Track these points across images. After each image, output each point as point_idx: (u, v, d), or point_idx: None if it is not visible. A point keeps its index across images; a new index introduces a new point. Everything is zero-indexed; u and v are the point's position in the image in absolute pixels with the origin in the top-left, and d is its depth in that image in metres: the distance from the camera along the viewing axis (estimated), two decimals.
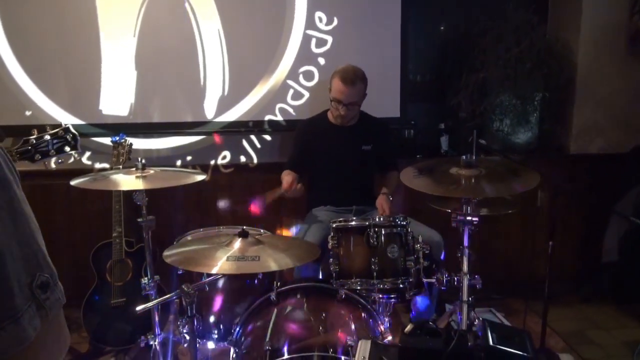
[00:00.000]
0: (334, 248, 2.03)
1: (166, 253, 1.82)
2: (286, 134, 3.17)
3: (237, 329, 1.93)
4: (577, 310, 3.16)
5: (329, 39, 3.13)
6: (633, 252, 3.18)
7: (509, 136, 3.29)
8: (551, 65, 3.20)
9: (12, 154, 1.87)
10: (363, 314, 1.94)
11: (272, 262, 1.72)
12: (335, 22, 3.12)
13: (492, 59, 3.19)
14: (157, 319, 2.19)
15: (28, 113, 3.03)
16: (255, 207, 2.72)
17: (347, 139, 2.77)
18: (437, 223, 2.51)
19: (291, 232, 3.08)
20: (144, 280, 2.14)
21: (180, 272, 2.09)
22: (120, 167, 2.54)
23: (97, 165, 3.15)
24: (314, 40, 3.13)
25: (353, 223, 2.06)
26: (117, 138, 2.62)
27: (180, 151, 3.22)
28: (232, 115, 3.15)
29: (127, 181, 2.03)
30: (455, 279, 2.04)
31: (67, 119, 3.05)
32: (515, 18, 3.21)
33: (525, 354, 1.22)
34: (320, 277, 2.39)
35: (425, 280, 2.04)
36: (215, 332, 2.05)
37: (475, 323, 2.11)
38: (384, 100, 3.15)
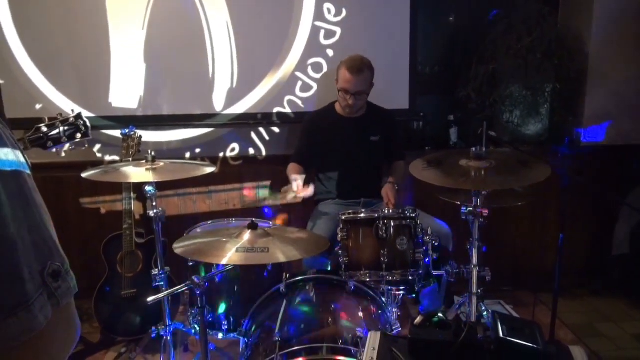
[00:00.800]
0: (343, 240, 2.03)
1: (176, 244, 1.83)
2: (295, 126, 3.17)
3: (247, 320, 1.95)
4: (587, 302, 3.15)
5: (338, 30, 3.11)
6: None
7: (519, 128, 3.27)
8: (562, 56, 3.17)
9: (25, 142, 1.88)
10: (372, 306, 1.94)
11: (281, 253, 1.73)
12: (344, 13, 3.10)
13: (503, 49, 3.16)
14: (167, 309, 2.21)
15: (38, 106, 3.06)
16: (269, 213, 2.72)
17: (355, 131, 2.76)
18: (446, 215, 2.51)
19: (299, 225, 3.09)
20: (155, 271, 2.16)
21: (190, 263, 2.11)
22: (130, 159, 2.55)
23: (107, 158, 3.17)
24: (322, 32, 3.11)
25: (362, 215, 2.06)
26: (127, 130, 2.64)
27: (189, 143, 3.23)
28: (241, 107, 3.15)
29: (137, 173, 2.04)
30: (465, 271, 2.04)
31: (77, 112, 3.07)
32: (526, 8, 3.18)
33: (535, 346, 1.22)
34: (329, 269, 2.40)
35: (434, 272, 2.05)
36: (225, 323, 2.07)
37: (485, 315, 2.11)
38: (392, 92, 3.14)
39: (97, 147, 3.16)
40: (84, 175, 1.99)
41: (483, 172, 1.94)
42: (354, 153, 2.76)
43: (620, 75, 3.24)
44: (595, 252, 3.35)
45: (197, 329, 1.99)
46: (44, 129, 1.93)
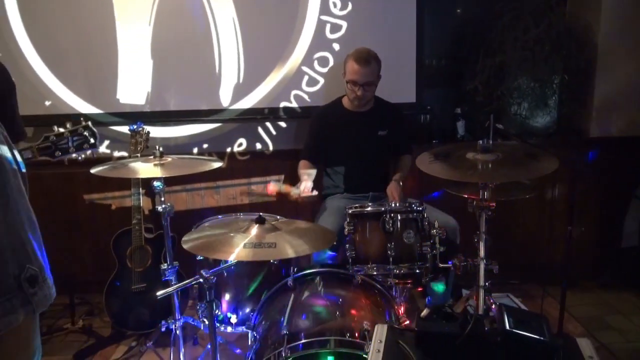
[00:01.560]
0: (350, 234, 2.04)
1: (185, 239, 1.85)
2: (301, 120, 3.17)
3: (255, 313, 1.97)
4: (595, 295, 3.14)
5: (344, 24, 3.11)
6: None
7: (527, 120, 3.25)
8: (570, 47, 3.14)
9: (33, 151, 1.90)
10: (379, 299, 1.95)
11: (289, 248, 1.74)
12: (350, 7, 3.09)
13: (510, 41, 3.14)
14: (177, 303, 2.23)
15: (48, 103, 3.09)
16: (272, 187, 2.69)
17: (363, 125, 2.76)
18: (453, 208, 2.50)
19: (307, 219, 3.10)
20: (164, 266, 2.18)
21: (199, 257, 2.13)
22: (139, 155, 2.57)
23: (116, 154, 3.20)
24: (328, 26, 3.11)
25: (369, 209, 2.06)
26: (135, 126, 2.65)
27: (196, 139, 3.25)
28: (248, 102, 3.16)
29: (146, 169, 2.06)
30: (472, 264, 2.04)
31: (86, 108, 3.10)
32: None
33: (542, 338, 1.22)
34: (337, 263, 2.41)
35: (441, 265, 2.05)
36: (234, 316, 2.09)
37: (492, 308, 2.11)
38: (399, 86, 3.13)
39: (106, 143, 3.19)
40: (93, 171, 2.01)
41: (490, 165, 1.93)
42: (361, 147, 2.76)
43: (629, 66, 3.20)
44: (604, 245, 3.33)
45: (206, 322, 2.01)
46: (53, 139, 1.95)
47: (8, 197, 0.57)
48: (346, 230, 2.05)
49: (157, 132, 3.13)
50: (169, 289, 1.86)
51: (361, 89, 2.61)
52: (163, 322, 2.26)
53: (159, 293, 1.78)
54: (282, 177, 3.13)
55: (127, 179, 2.69)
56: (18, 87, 2.20)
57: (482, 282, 2.01)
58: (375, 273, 1.99)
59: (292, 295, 1.89)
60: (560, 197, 3.20)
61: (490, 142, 2.00)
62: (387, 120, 2.78)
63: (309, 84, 3.17)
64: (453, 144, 3.19)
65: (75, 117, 2.08)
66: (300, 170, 2.68)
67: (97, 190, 3.14)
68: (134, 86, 3.11)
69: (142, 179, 2.61)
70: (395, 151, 2.85)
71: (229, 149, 3.26)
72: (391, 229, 1.98)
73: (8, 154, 0.59)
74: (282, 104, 3.18)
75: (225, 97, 3.16)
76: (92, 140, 2.03)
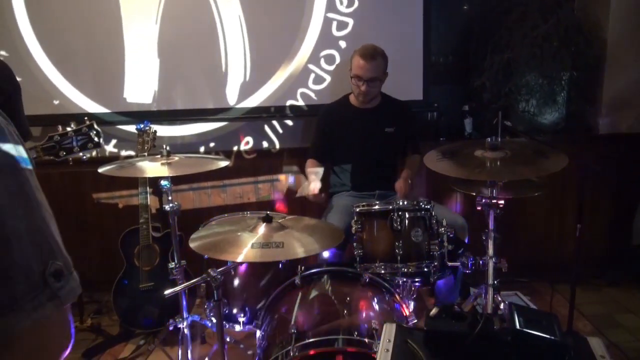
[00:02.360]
0: (358, 232, 2.03)
1: (192, 238, 1.85)
2: (308, 118, 3.17)
3: (263, 312, 1.96)
4: (605, 293, 3.11)
5: (350, 21, 3.09)
6: None
7: (536, 117, 3.22)
8: (579, 43, 3.11)
9: (38, 151, 1.90)
10: (387, 298, 1.94)
11: (297, 248, 1.73)
12: (356, 4, 3.08)
13: (518, 37, 3.11)
14: (184, 302, 2.23)
15: (56, 102, 3.10)
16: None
17: (370, 122, 2.75)
18: (461, 206, 2.49)
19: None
20: (171, 265, 2.18)
21: (206, 256, 2.13)
22: (146, 154, 2.58)
23: (123, 153, 3.21)
24: (334, 23, 3.10)
25: (376, 207, 2.05)
26: (142, 126, 2.66)
27: (203, 137, 3.25)
28: (254, 101, 3.16)
29: (153, 168, 2.06)
30: (480, 262, 2.02)
31: (93, 108, 3.11)
32: None
33: (552, 338, 1.20)
34: (344, 261, 2.40)
35: (449, 263, 2.03)
36: (242, 315, 2.09)
37: (501, 307, 2.10)
38: (406, 83, 3.11)
39: (113, 142, 3.20)
40: (100, 170, 2.02)
41: (498, 163, 1.92)
42: (368, 145, 2.75)
43: (639, 62, 3.17)
44: (614, 242, 3.30)
45: (214, 321, 2.01)
46: (57, 138, 1.95)
47: (28, 195, 0.58)
48: (354, 228, 2.04)
49: (164, 131, 3.13)
50: (177, 288, 1.86)
51: (365, 84, 2.60)
52: (171, 320, 2.26)
53: (166, 292, 1.79)
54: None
55: (135, 178, 2.70)
56: (26, 87, 2.21)
57: (490, 281, 2.00)
58: (383, 272, 1.99)
59: (300, 294, 1.89)
60: (569, 194, 3.18)
61: (499, 140, 1.98)
62: (394, 117, 2.77)
63: (315, 82, 3.16)
64: (461, 141, 3.17)
65: (83, 117, 2.07)
66: (308, 169, 2.67)
67: (104, 190, 3.15)
68: (140, 85, 3.11)
69: (150, 178, 2.62)
70: (403, 149, 2.84)
71: (235, 148, 3.26)
72: (399, 227, 1.97)
73: (24, 154, 0.60)
74: (289, 102, 3.17)
75: (231, 96, 3.16)
76: (96, 140, 2.03)
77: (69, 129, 1.99)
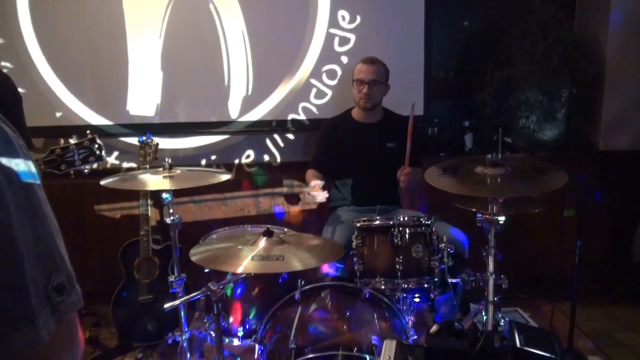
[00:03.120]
0: (358, 247, 2.03)
1: (192, 252, 1.85)
2: (309, 132, 3.18)
3: (262, 327, 1.96)
4: (606, 310, 3.10)
5: (352, 37, 3.13)
6: None
7: (536, 133, 3.24)
8: (579, 60, 3.13)
9: (39, 163, 1.91)
10: (387, 314, 1.93)
11: (297, 261, 1.73)
12: (358, 20, 3.11)
13: (518, 54, 3.14)
14: (184, 316, 2.23)
15: (58, 114, 3.12)
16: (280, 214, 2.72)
17: (372, 137, 2.76)
18: (461, 222, 2.49)
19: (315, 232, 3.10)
20: (171, 278, 2.18)
21: (206, 269, 2.12)
22: (147, 166, 2.58)
23: (125, 165, 3.22)
24: (337, 39, 3.13)
25: (377, 222, 2.05)
26: (144, 138, 2.67)
27: (204, 150, 3.26)
28: (256, 114, 3.18)
29: (155, 181, 2.06)
30: (481, 278, 2.02)
31: (96, 120, 3.13)
32: (541, 12, 3.15)
33: (552, 356, 1.20)
34: (344, 276, 2.40)
35: (449, 279, 2.03)
36: (241, 329, 2.08)
37: (501, 323, 2.09)
38: (407, 98, 3.11)
39: (115, 154, 3.21)
40: (102, 182, 2.02)
41: (499, 179, 1.93)
42: (369, 159, 2.76)
43: (638, 79, 3.19)
44: (614, 259, 3.29)
45: (213, 335, 2.00)
46: (59, 152, 1.96)
47: (36, 209, 0.58)
48: (354, 243, 2.04)
49: (165, 143, 3.15)
50: (176, 302, 1.86)
51: (367, 86, 2.64)
52: (169, 334, 2.25)
53: (166, 305, 1.78)
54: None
55: (136, 190, 2.70)
56: (29, 98, 2.23)
57: (491, 298, 2.00)
58: (383, 287, 1.98)
59: (300, 309, 1.88)
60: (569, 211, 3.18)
61: (499, 156, 1.99)
62: (396, 133, 2.78)
63: (317, 97, 3.18)
64: (461, 156, 3.18)
65: (86, 129, 2.09)
66: (308, 179, 2.68)
67: (105, 201, 3.15)
68: (143, 98, 3.14)
69: (151, 190, 2.62)
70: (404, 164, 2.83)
71: (236, 161, 3.27)
72: (399, 242, 1.97)
73: (33, 168, 0.60)
74: (291, 116, 3.19)
75: (233, 109, 3.18)
76: (98, 153, 2.03)
77: (71, 141, 2.00)
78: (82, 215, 3.15)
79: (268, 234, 1.86)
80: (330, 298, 1.95)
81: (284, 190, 2.99)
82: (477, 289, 2.05)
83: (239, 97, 3.16)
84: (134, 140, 3.01)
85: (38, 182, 0.61)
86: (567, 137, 3.31)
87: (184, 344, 2.23)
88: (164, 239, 2.77)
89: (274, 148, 3.28)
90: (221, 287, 1.75)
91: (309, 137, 3.20)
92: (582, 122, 3.28)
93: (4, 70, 2.40)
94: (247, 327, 2.08)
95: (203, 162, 3.26)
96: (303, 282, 1.98)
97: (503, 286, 2.00)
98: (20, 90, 2.34)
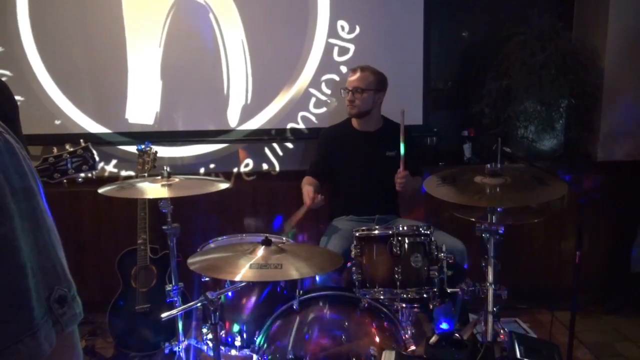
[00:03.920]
0: (357, 257, 2.03)
1: (190, 260, 1.84)
2: (308, 141, 3.18)
3: (260, 336, 1.94)
4: (605, 321, 3.08)
5: (351, 47, 3.14)
6: None
7: (534, 143, 3.24)
8: (577, 71, 3.15)
9: None
10: (386, 324, 1.92)
11: (295, 270, 1.72)
12: (358, 30, 3.13)
13: (517, 65, 3.15)
14: (181, 325, 2.21)
15: (57, 122, 3.11)
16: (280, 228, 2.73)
17: (371, 145, 2.76)
18: (460, 232, 2.48)
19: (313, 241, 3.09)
20: (168, 286, 2.16)
21: (204, 279, 2.11)
22: (146, 174, 2.58)
23: (123, 173, 3.21)
24: (336, 49, 3.14)
25: (376, 232, 2.05)
26: (143, 146, 2.67)
27: (203, 159, 3.26)
28: (255, 123, 3.18)
29: (153, 189, 2.06)
30: (480, 288, 2.01)
31: (95, 128, 3.12)
32: (540, 24, 3.17)
33: None
34: (343, 286, 2.38)
35: (449, 289, 2.02)
36: (239, 339, 2.06)
37: (501, 333, 2.08)
38: (406, 108, 3.11)
39: (114, 162, 3.20)
40: (100, 191, 2.02)
41: (498, 189, 1.92)
42: (369, 168, 2.76)
43: (636, 90, 3.21)
44: (613, 270, 3.29)
45: (210, 345, 1.99)
46: (52, 160, 1.95)
47: (38, 220, 0.58)
48: (353, 253, 2.03)
49: (164, 151, 3.14)
50: (174, 311, 1.85)
51: (350, 94, 2.68)
52: (167, 344, 2.23)
53: (163, 315, 1.77)
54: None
55: (134, 198, 2.69)
56: (28, 106, 2.22)
57: (490, 308, 1.99)
58: (382, 297, 1.97)
59: (298, 319, 1.87)
60: (568, 221, 3.18)
61: (498, 166, 1.99)
62: (395, 141, 2.77)
63: (316, 106, 3.19)
64: (460, 166, 3.18)
65: (85, 137, 2.08)
66: (303, 186, 2.67)
67: (103, 210, 3.14)
68: (143, 106, 3.14)
69: (149, 199, 2.61)
70: None
71: (235, 170, 3.26)
72: (398, 252, 1.96)
73: (37, 180, 0.60)
74: (290, 125, 3.19)
75: (233, 118, 3.18)
76: (91, 162, 2.02)
77: (64, 150, 2.00)
78: (79, 223, 3.13)
79: (266, 242, 1.85)
80: (329, 308, 1.94)
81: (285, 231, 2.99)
82: (477, 299, 2.04)
83: (238, 105, 3.17)
84: (132, 149, 3.00)
85: (41, 192, 0.61)
86: (566, 148, 3.31)
87: (181, 354, 2.21)
88: (161, 248, 2.76)
89: (273, 157, 3.28)
90: (219, 296, 1.74)
91: (308, 146, 3.20)
92: (581, 132, 3.29)
93: (3, 79, 2.40)
94: (245, 336, 2.07)
95: (202, 170, 3.25)
96: (301, 291, 1.97)
97: (503, 296, 1.99)
98: (19, 98, 2.34)
